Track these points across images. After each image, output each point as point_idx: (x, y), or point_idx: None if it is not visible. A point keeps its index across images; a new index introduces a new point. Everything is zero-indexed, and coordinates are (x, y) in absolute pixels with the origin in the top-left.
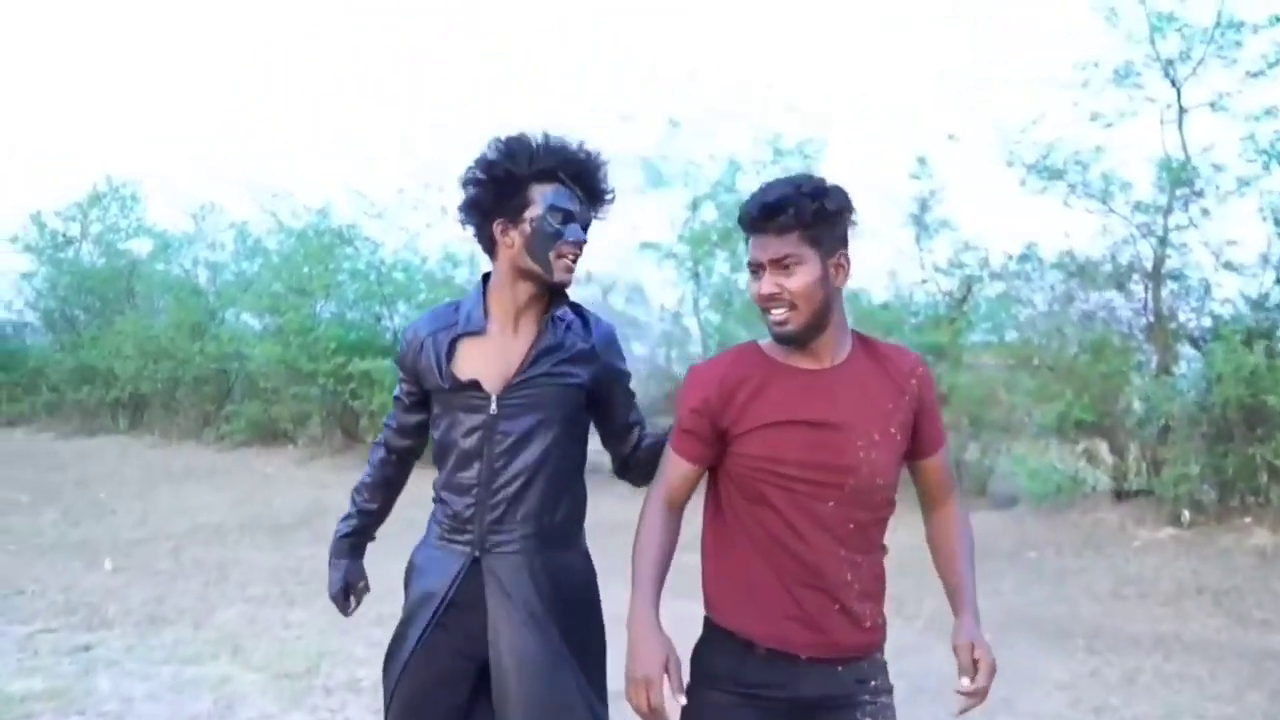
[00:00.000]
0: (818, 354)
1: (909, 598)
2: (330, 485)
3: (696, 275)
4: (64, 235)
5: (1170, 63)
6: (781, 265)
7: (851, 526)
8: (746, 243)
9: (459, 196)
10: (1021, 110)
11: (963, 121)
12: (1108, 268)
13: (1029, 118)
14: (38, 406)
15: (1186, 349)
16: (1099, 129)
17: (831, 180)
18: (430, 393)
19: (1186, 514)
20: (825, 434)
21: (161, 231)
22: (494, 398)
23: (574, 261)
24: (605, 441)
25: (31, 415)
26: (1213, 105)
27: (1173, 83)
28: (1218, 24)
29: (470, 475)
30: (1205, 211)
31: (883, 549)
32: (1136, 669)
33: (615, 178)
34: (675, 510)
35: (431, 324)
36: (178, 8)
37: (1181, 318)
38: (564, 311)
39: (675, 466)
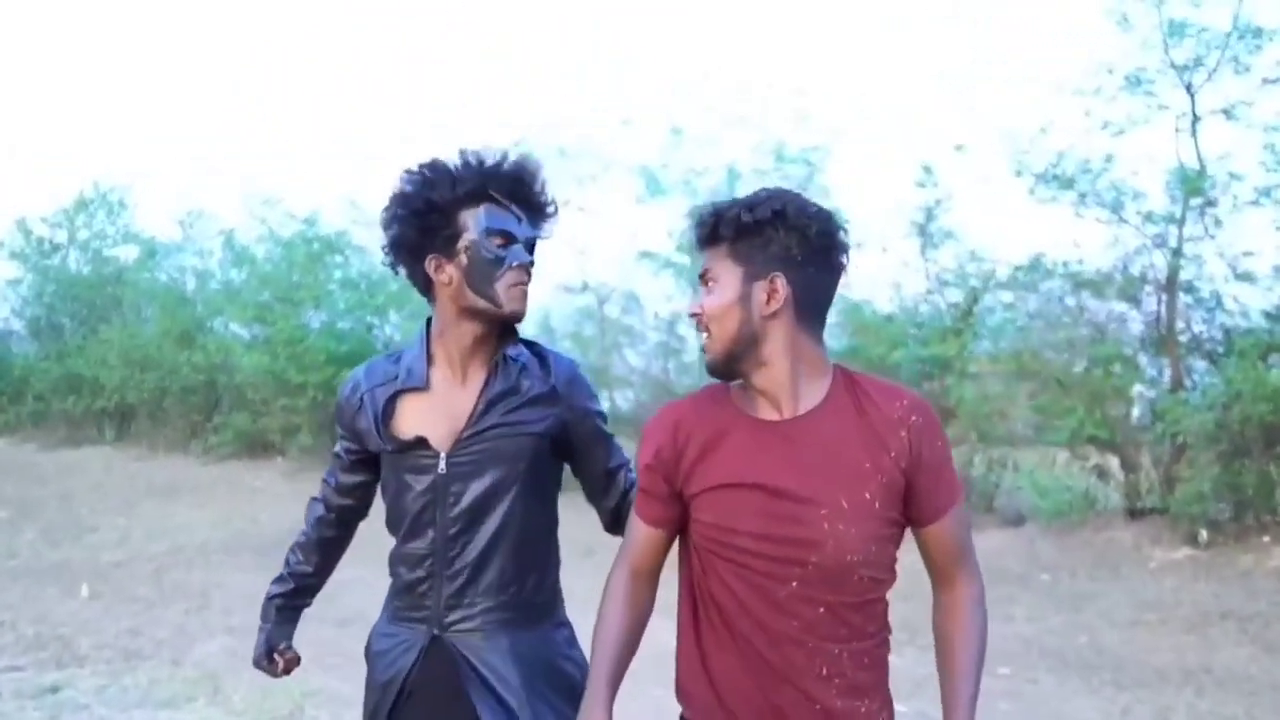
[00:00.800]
0: (775, 399)
1: (923, 624)
2: None
3: (695, 286)
4: (50, 242)
5: (1184, 69)
6: (705, 281)
7: (821, 611)
8: None
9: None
10: (1030, 117)
11: (970, 129)
12: (1118, 279)
13: (1038, 125)
14: (23, 416)
15: (1197, 362)
16: (1110, 137)
17: (796, 195)
18: (376, 454)
19: (1204, 533)
20: (783, 502)
21: (149, 238)
22: (443, 456)
23: (525, 288)
24: (588, 495)
25: (16, 425)
26: (1227, 113)
27: (1187, 90)
28: (1234, 30)
29: (423, 544)
30: (1218, 221)
31: (876, 635)
32: (1168, 707)
33: (554, 186)
34: (642, 580)
35: (370, 378)
36: (174, 7)
37: (1195, 329)
38: (517, 350)
39: (637, 530)
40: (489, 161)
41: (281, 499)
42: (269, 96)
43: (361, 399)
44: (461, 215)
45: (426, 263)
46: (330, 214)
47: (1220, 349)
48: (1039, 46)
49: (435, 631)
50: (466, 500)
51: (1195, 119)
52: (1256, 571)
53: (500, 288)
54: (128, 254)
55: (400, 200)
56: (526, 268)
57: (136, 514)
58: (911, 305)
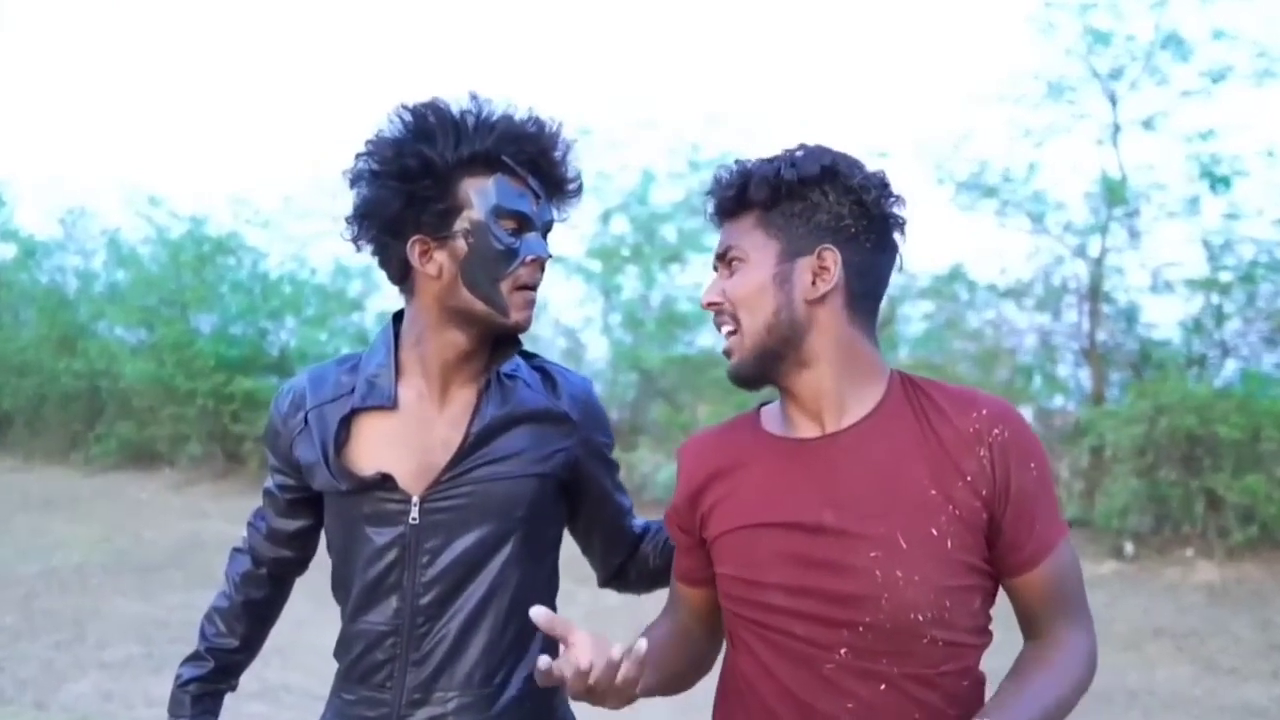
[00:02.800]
0: (815, 410)
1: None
2: (210, 515)
3: (606, 292)
4: None
5: (1107, 79)
6: (726, 263)
7: (883, 688)
8: None
9: (347, 201)
10: (953, 124)
11: (891, 135)
12: (1039, 289)
13: (960, 132)
14: None
15: (1114, 373)
16: (1032, 146)
17: (843, 152)
18: (321, 493)
19: (1130, 547)
20: (821, 542)
21: (27, 237)
22: (415, 501)
23: (535, 291)
24: (584, 548)
25: None
26: (1146, 124)
27: (1110, 99)
28: (1156, 40)
29: (383, 618)
30: (1135, 234)
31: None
32: None
33: (579, 158)
34: (691, 631)
35: (316, 391)
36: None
37: (1115, 341)
38: (514, 365)
39: (672, 587)
40: (508, 117)
41: (169, 513)
42: (155, 90)
43: (305, 419)
44: (465, 185)
45: (409, 244)
46: (221, 214)
47: (1137, 360)
48: (962, 53)
49: None
50: (445, 561)
51: (1117, 129)
52: (1184, 585)
53: (506, 288)
54: (4, 253)
55: (385, 152)
56: (542, 264)
57: (7, 531)
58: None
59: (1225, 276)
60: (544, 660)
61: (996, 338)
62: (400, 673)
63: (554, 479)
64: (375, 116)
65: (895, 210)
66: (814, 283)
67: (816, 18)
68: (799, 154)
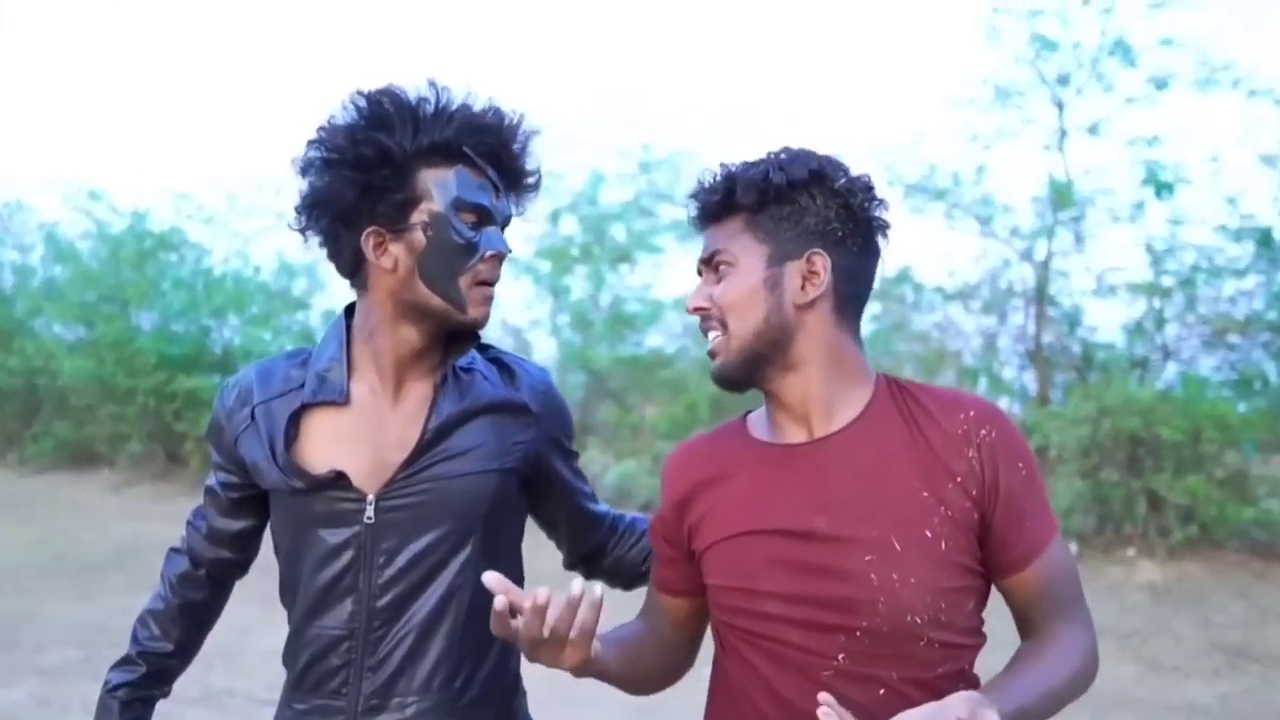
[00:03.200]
0: (804, 414)
1: None
2: (150, 516)
3: (555, 292)
4: None
5: (1054, 85)
6: (713, 267)
7: (882, 693)
8: None
9: (297, 190)
10: (904, 127)
11: (843, 137)
12: (986, 292)
13: (911, 136)
14: None
15: (1058, 375)
16: (980, 149)
17: (827, 155)
18: (267, 492)
19: (1074, 547)
20: (813, 548)
21: None
22: (370, 499)
23: (494, 287)
24: (554, 535)
25: None
26: (1092, 130)
27: (1057, 105)
28: (1102, 47)
29: (337, 622)
30: (1079, 238)
31: None
32: None
33: (540, 151)
34: (669, 639)
35: (263, 386)
36: None
37: (1060, 344)
38: (470, 358)
39: (651, 595)
40: (468, 108)
41: (108, 514)
42: (96, 84)
43: (251, 415)
44: (423, 176)
45: (363, 236)
46: (163, 209)
47: (1080, 363)
48: (915, 57)
49: None
50: (402, 561)
51: (1063, 134)
52: (1126, 585)
53: (465, 283)
54: None
55: (339, 139)
56: (502, 258)
57: None
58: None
59: (1167, 281)
60: (500, 599)
61: (943, 340)
62: (356, 679)
63: (515, 473)
64: (323, 110)
65: (880, 213)
66: (803, 287)
67: (769, 21)
68: (785, 157)
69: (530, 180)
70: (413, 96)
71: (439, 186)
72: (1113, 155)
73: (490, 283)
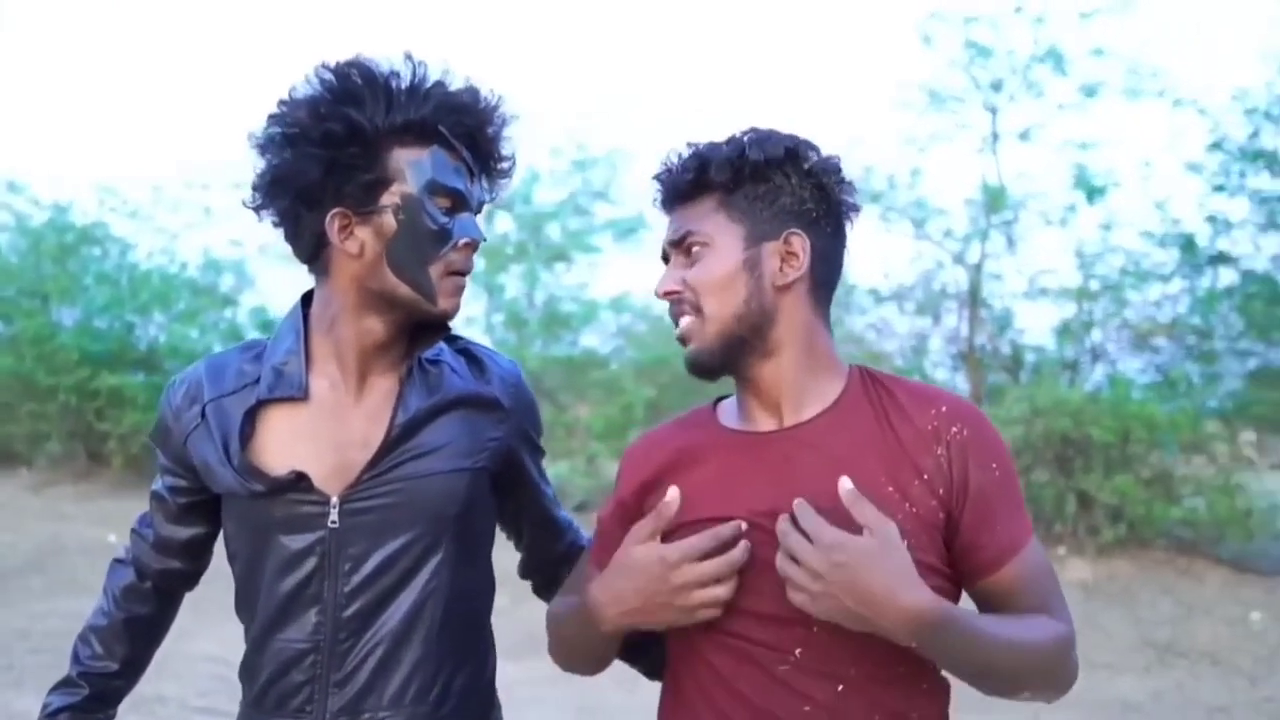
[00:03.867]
0: (775, 401)
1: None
2: (71, 517)
3: (490, 290)
4: None
5: (987, 90)
6: (684, 249)
7: (841, 689)
8: None
9: (255, 168)
10: (841, 129)
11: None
12: (920, 294)
13: (847, 138)
14: None
15: (989, 376)
16: (915, 152)
17: (792, 131)
18: (219, 496)
19: None
20: (770, 539)
21: None
22: (334, 502)
23: (465, 277)
24: (517, 539)
25: None
26: (1023, 136)
27: (990, 111)
28: (1034, 54)
29: (302, 634)
30: (1012, 241)
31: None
32: None
33: (517, 135)
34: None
35: (215, 382)
36: None
37: (992, 345)
38: (438, 349)
39: (587, 578)
40: (442, 85)
41: (26, 515)
42: (16, 73)
43: (202, 413)
44: (395, 155)
45: (328, 218)
46: (86, 202)
47: (1011, 364)
48: (851, 61)
49: None
50: (370, 567)
51: (996, 138)
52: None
53: (436, 272)
54: None
55: (302, 113)
56: (475, 247)
57: None
58: None
59: (1095, 285)
60: None
61: (877, 341)
62: (321, 695)
63: (487, 472)
64: (253, 102)
65: (849, 196)
66: (782, 268)
67: (708, 23)
68: (758, 135)
69: (505, 165)
70: (384, 70)
71: (413, 167)
72: (1044, 160)
73: (463, 272)
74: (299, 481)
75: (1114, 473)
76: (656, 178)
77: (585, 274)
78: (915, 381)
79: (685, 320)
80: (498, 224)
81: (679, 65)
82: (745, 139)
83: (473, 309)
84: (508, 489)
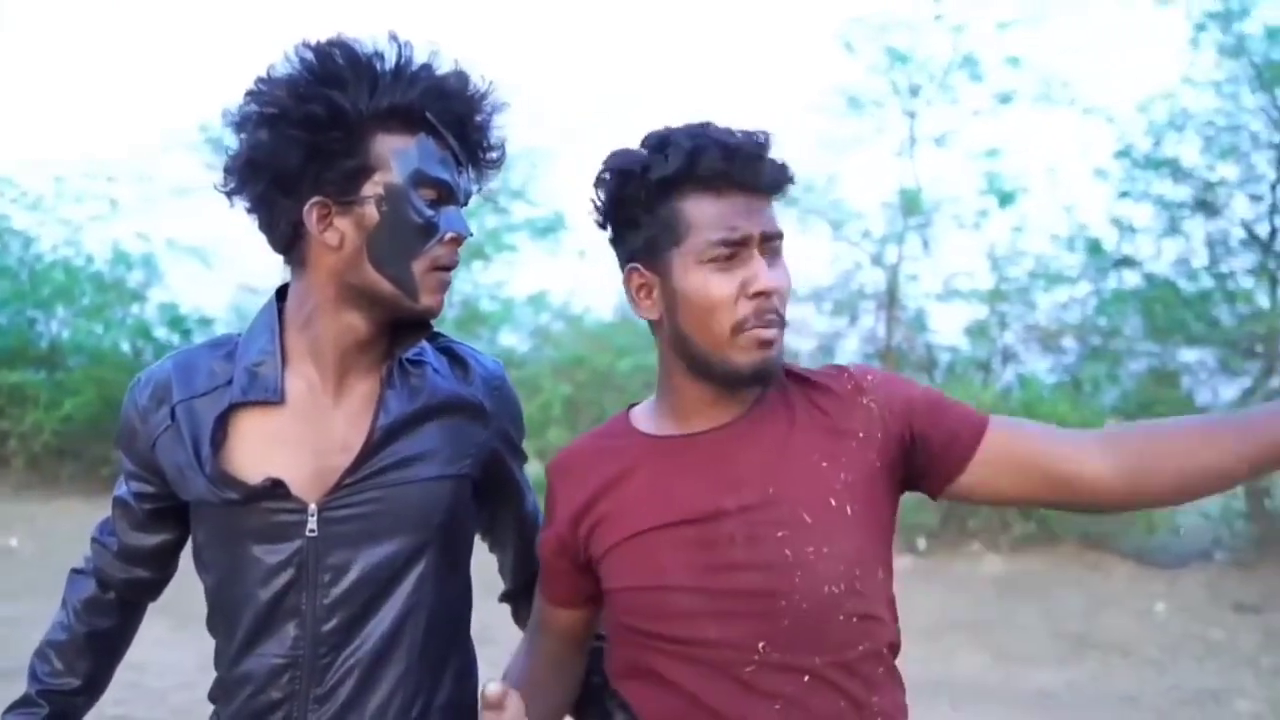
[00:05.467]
0: (729, 401)
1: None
2: None
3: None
4: None
5: (905, 96)
6: (773, 249)
7: (807, 680)
8: (653, 212)
9: (228, 148)
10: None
11: None
12: (838, 294)
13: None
14: None
15: (909, 375)
16: (833, 156)
17: None
18: (188, 503)
19: (923, 542)
20: (724, 530)
21: None
22: (313, 510)
23: (450, 272)
24: (501, 553)
25: None
26: (938, 141)
27: (909, 116)
28: (954, 63)
29: (280, 649)
30: (927, 244)
31: (889, 712)
32: None
33: (506, 125)
34: (564, 660)
35: (184, 382)
36: None
37: (908, 345)
38: (420, 348)
39: (549, 612)
40: (429, 68)
41: None
42: None
43: (171, 414)
44: (380, 142)
45: (306, 206)
46: None
47: (926, 364)
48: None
49: None
50: (351, 579)
51: (913, 143)
52: (974, 578)
53: (420, 268)
54: None
55: (281, 94)
56: (461, 241)
57: None
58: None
59: (1006, 287)
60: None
61: (796, 341)
62: (300, 712)
63: (470, 479)
64: (164, 92)
65: None
66: None
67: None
68: (770, 142)
69: (494, 155)
70: (369, 50)
71: (398, 156)
72: (959, 165)
73: (448, 268)
74: (275, 489)
75: None
76: (737, 148)
77: (503, 272)
78: (811, 367)
79: (775, 331)
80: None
81: (595, 63)
82: (769, 146)
83: None
84: (492, 495)
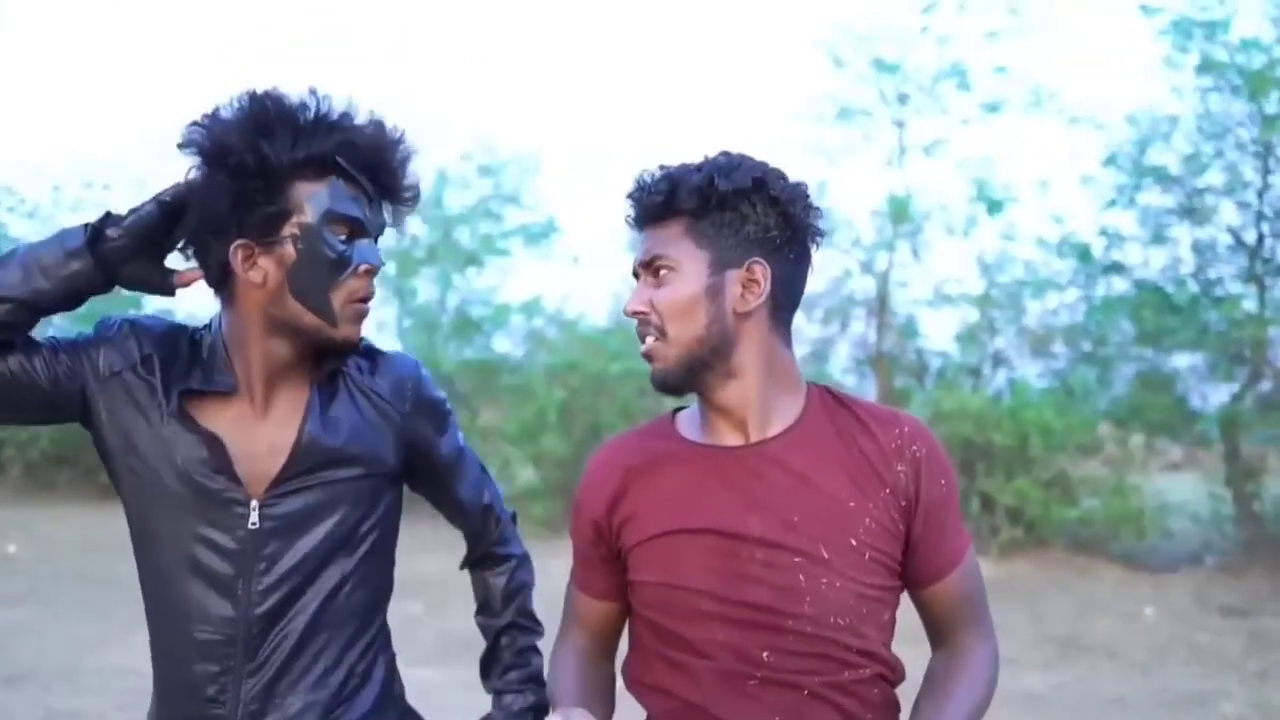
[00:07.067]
0: (740, 419)
1: None
2: None
3: (400, 294)
4: None
5: (893, 105)
6: (652, 270)
7: (806, 694)
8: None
9: (158, 190)
10: (752, 141)
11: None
12: (829, 301)
13: (758, 149)
14: None
15: (901, 381)
16: (824, 164)
17: (765, 162)
18: (110, 457)
19: None
20: (744, 548)
21: None
22: (254, 503)
23: (368, 304)
24: (449, 517)
25: None
26: (927, 150)
27: (897, 125)
28: (942, 72)
29: (218, 628)
30: (917, 251)
31: None
32: None
33: (418, 165)
34: (595, 656)
35: (159, 342)
36: None
37: (899, 351)
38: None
39: (578, 602)
40: (348, 118)
41: None
42: None
43: (142, 360)
44: (296, 189)
45: (231, 249)
46: None
47: (917, 370)
48: (764, 73)
49: None
50: (284, 565)
51: (903, 151)
52: None
53: (338, 299)
54: None
55: (219, 140)
56: (374, 272)
57: None
58: (629, 319)
59: (996, 293)
60: None
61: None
62: (235, 684)
63: (391, 475)
64: (150, 100)
65: (815, 222)
66: (744, 295)
67: (622, 32)
68: (727, 162)
69: (408, 195)
70: (295, 104)
71: (311, 198)
72: (948, 173)
73: (365, 299)
74: (225, 477)
75: (1014, 475)
76: (629, 196)
77: (496, 278)
78: (873, 403)
79: (650, 341)
80: (408, 228)
81: (590, 71)
82: (715, 166)
83: (384, 313)
84: (423, 482)
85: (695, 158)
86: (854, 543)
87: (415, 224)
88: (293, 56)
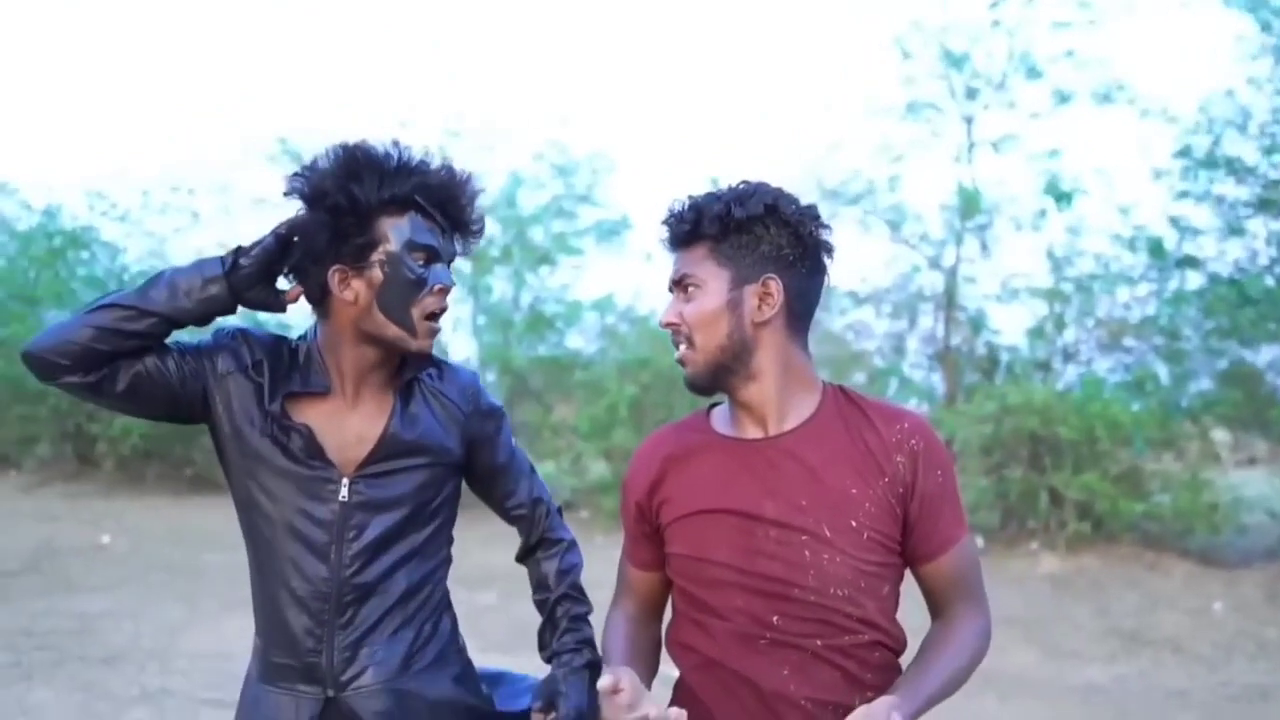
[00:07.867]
0: (760, 415)
1: None
2: (62, 518)
3: (475, 292)
4: None
5: (963, 100)
6: (682, 288)
7: (810, 654)
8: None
9: (270, 226)
10: (823, 136)
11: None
12: (897, 296)
13: (830, 144)
14: None
15: (971, 376)
16: (892, 160)
17: (774, 185)
18: (221, 438)
19: (980, 541)
20: (759, 527)
21: None
22: (345, 480)
23: (439, 319)
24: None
25: None
26: (995, 145)
27: (966, 120)
28: (1012, 65)
29: (313, 587)
30: (985, 245)
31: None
32: (978, 713)
33: (482, 204)
34: (643, 621)
35: (266, 349)
36: None
37: (967, 346)
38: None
39: (627, 573)
40: (424, 164)
41: (19, 517)
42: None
43: (252, 362)
44: (382, 223)
45: (329, 273)
46: (75, 206)
47: (986, 365)
48: (835, 69)
49: (330, 693)
50: (370, 535)
51: (971, 145)
52: (1029, 576)
53: (417, 314)
54: None
55: (315, 190)
56: (447, 290)
57: None
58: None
59: (1066, 287)
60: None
61: (856, 341)
62: (329, 637)
63: (458, 464)
64: (238, 107)
65: (825, 238)
66: (760, 307)
67: (697, 30)
68: (744, 191)
69: (474, 227)
70: (381, 152)
71: (395, 231)
72: (1016, 167)
73: (437, 314)
74: (317, 457)
75: (1082, 470)
76: (663, 223)
77: (569, 276)
78: (883, 401)
79: (682, 349)
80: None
81: (662, 68)
82: (733, 195)
83: (459, 310)
84: (480, 480)
85: (765, 156)
86: (854, 524)
87: (489, 224)
88: (372, 67)
